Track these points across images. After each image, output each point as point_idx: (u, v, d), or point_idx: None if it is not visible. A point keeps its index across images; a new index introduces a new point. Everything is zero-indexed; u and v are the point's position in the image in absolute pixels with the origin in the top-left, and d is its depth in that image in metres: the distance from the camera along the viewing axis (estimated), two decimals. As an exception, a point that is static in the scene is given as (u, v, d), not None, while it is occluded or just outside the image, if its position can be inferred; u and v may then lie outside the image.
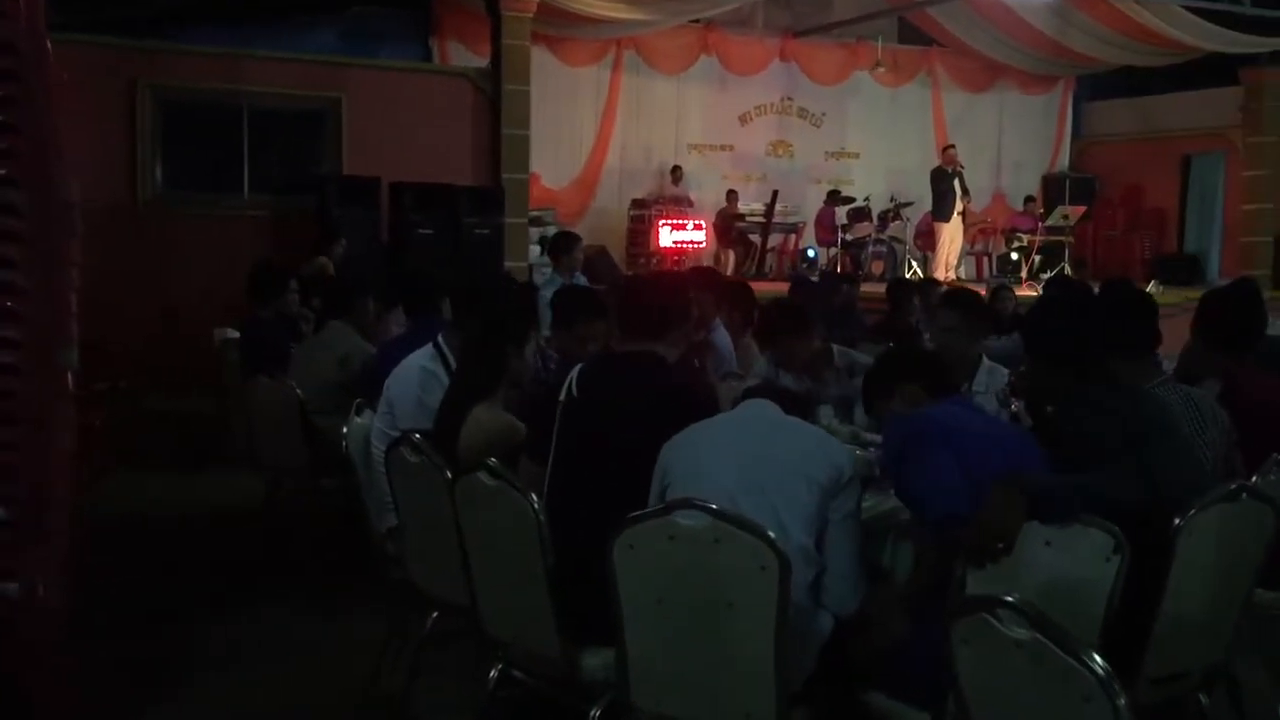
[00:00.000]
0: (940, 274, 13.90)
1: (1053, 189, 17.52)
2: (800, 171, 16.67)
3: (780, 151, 16.68)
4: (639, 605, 2.74)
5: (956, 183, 14.31)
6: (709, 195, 15.79)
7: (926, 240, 15.48)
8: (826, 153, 16.96)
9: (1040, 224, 15.42)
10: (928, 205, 15.17)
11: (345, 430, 4.17)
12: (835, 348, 5.25)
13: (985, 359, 4.72)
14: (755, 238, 15.21)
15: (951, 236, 14.59)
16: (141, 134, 10.81)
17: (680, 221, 14.73)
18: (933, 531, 2.88)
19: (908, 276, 14.56)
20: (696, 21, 15.14)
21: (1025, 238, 15.57)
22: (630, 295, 3.53)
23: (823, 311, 7.63)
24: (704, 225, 14.99)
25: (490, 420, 3.75)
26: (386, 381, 4.50)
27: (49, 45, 3.41)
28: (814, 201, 16.11)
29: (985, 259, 17.02)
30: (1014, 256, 15.64)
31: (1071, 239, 15.50)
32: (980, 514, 2.69)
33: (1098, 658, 1.89)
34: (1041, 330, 3.37)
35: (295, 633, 4.98)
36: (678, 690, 2.78)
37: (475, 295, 4.71)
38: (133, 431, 8.08)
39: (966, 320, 4.70)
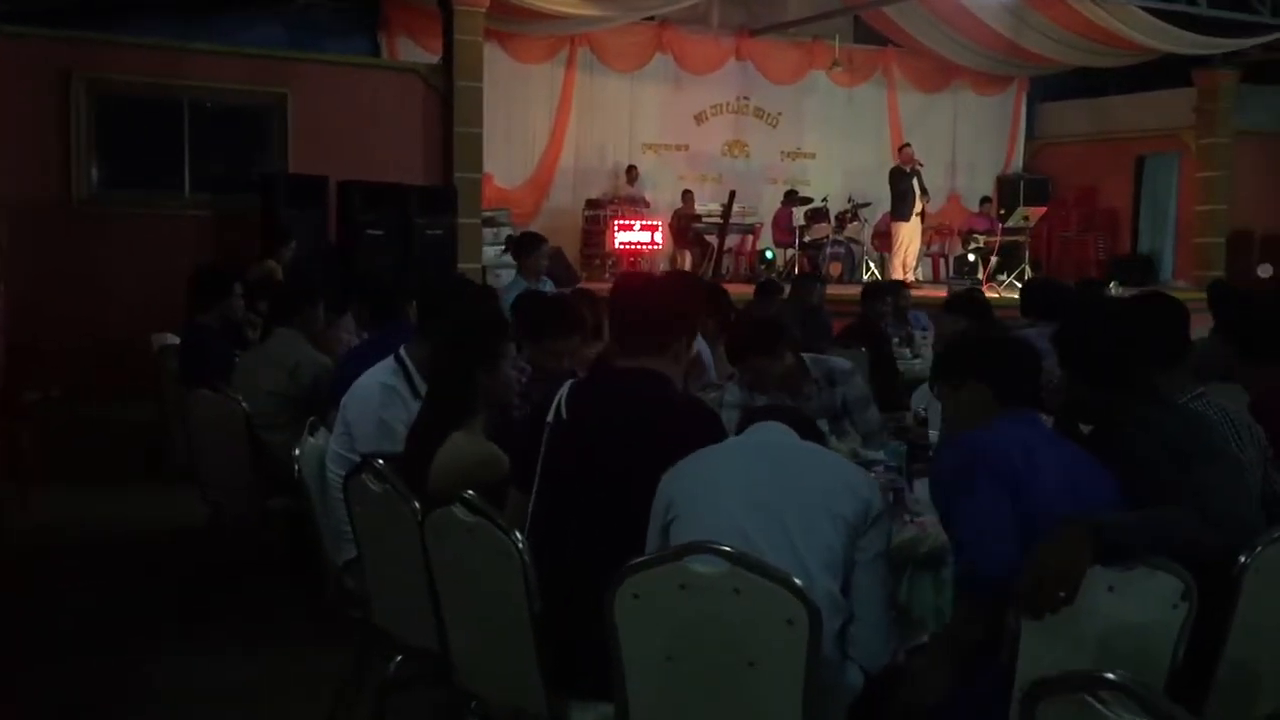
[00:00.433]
0: (898, 275, 13.78)
1: (1007, 190, 17.44)
2: (756, 172, 16.47)
3: (736, 151, 16.48)
4: (644, 663, 2.40)
5: (915, 182, 14.27)
6: (665, 195, 15.54)
7: (884, 241, 15.38)
8: (783, 153, 16.79)
9: (999, 225, 15.32)
10: (885, 206, 15.07)
11: (297, 452, 3.80)
12: (807, 357, 4.93)
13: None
14: (712, 239, 14.98)
15: (910, 237, 14.53)
16: (76, 130, 10.40)
17: (636, 222, 14.54)
18: (977, 586, 2.55)
19: (865, 278, 14.51)
20: (651, 19, 14.91)
21: (982, 239, 15.54)
22: (627, 305, 3.15)
23: (795, 315, 7.38)
24: (660, 226, 14.80)
25: (471, 449, 3.35)
26: (343, 399, 4.11)
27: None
28: (770, 202, 15.92)
29: (942, 260, 16.97)
30: (971, 258, 15.61)
31: (1028, 240, 15.41)
32: (1041, 557, 2.37)
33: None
34: (1083, 345, 3.04)
35: (241, 669, 4.58)
36: (687, 756, 2.43)
37: (443, 301, 4.31)
38: (66, 442, 7.76)
39: (976, 327, 4.37)
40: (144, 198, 10.65)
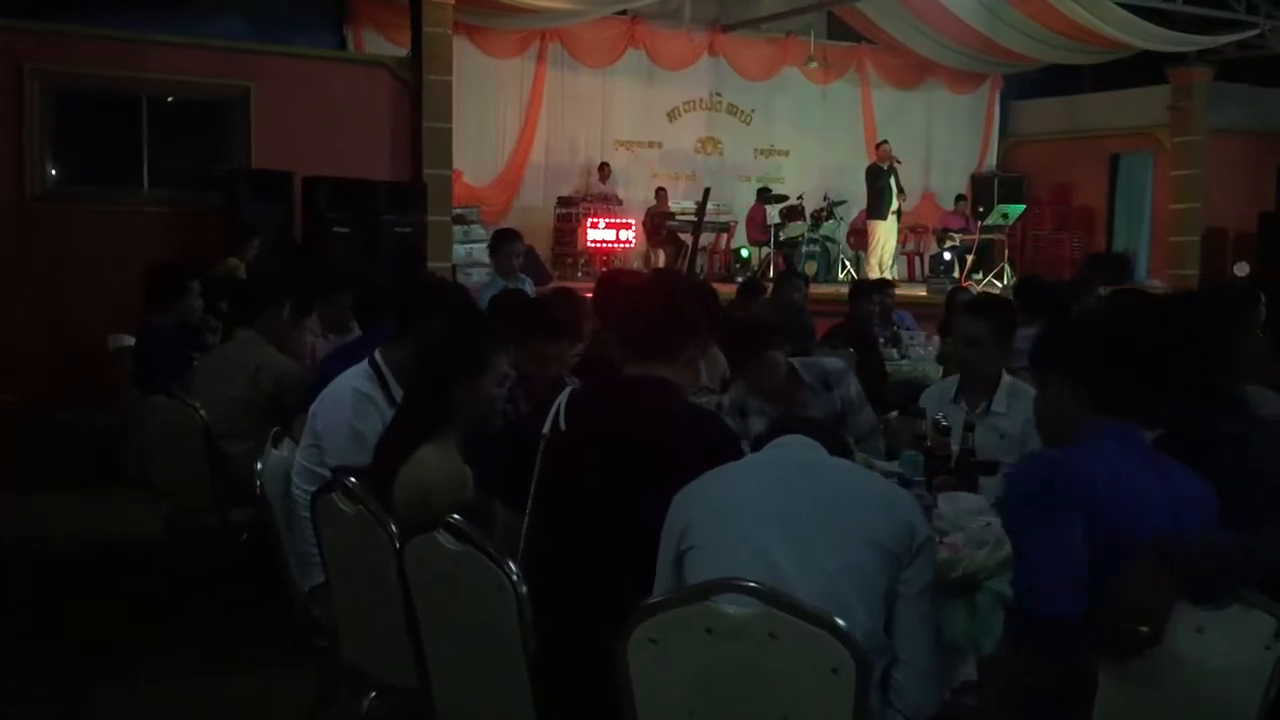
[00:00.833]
0: (874, 274, 13.63)
1: (981, 188, 17.35)
2: (730, 169, 16.29)
3: (709, 148, 16.28)
4: (662, 718, 2.10)
5: (892, 180, 14.15)
6: (637, 193, 15.35)
7: (859, 239, 15.23)
8: (756, 150, 16.61)
9: (977, 224, 15.17)
10: (860, 204, 14.89)
11: (259, 466, 3.47)
12: (797, 362, 4.65)
13: (1005, 375, 4.11)
14: (686, 237, 14.74)
15: (886, 235, 14.47)
16: (30, 124, 10.07)
17: (609, 220, 14.35)
18: (1041, 631, 2.22)
19: (840, 277, 14.32)
20: (623, 14, 14.69)
21: (958, 237, 15.39)
22: (633, 307, 2.85)
23: (779, 316, 7.12)
24: (633, 224, 14.61)
25: (439, 463, 3.03)
26: (312, 408, 3.78)
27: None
28: (743, 200, 15.79)
29: (917, 259, 16.84)
30: (947, 256, 15.47)
31: (1004, 238, 15.25)
32: (1120, 592, 2.06)
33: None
34: (1157, 350, 2.64)
35: (201, 692, 4.26)
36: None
37: (427, 302, 3.97)
38: (18, 448, 7.54)
39: (995, 333, 4.07)
40: (101, 194, 10.36)
